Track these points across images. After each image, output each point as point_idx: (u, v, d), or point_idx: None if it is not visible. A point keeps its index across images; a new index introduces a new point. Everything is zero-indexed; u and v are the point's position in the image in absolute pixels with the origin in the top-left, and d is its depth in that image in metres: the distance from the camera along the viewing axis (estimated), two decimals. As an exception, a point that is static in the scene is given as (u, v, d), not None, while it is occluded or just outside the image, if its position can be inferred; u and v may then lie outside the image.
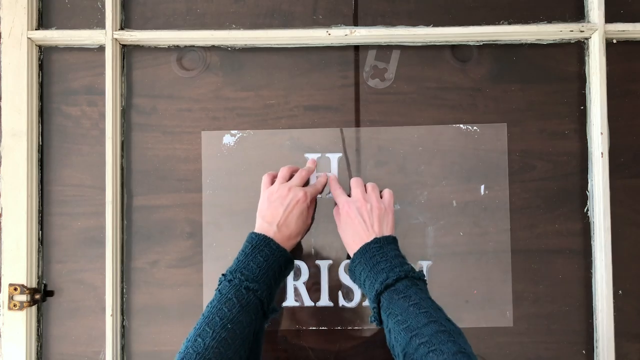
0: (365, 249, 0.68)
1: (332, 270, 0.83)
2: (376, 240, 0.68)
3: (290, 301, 0.83)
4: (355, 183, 0.76)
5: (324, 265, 0.83)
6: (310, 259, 0.84)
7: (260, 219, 0.74)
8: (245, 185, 0.84)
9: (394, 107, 0.84)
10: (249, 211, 0.83)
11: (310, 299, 0.83)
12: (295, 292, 0.83)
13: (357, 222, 0.71)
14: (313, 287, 0.83)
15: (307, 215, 0.76)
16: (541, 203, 0.82)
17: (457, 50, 0.84)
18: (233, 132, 0.85)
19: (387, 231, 0.71)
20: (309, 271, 0.83)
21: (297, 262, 0.83)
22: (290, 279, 0.83)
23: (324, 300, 0.83)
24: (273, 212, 0.72)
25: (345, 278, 0.83)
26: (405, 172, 0.84)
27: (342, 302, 0.83)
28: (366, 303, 0.83)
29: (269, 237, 0.70)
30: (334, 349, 0.83)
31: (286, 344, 0.83)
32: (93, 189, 0.84)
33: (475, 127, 0.83)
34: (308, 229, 0.79)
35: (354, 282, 0.72)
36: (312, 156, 0.84)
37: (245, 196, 0.84)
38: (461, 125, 0.84)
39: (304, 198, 0.74)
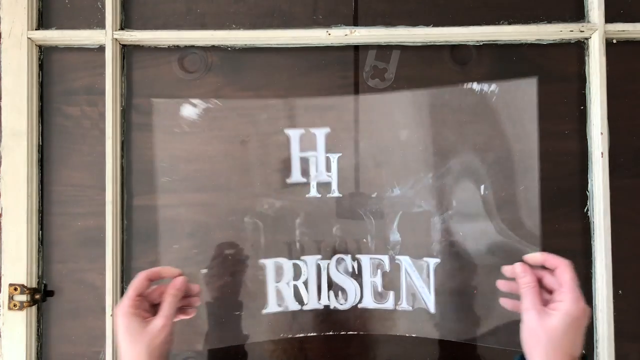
0: None
1: (321, 267, 0.75)
2: None
3: (272, 307, 0.74)
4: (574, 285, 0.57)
5: (311, 262, 0.74)
6: (294, 255, 0.75)
7: None
8: (209, 174, 0.73)
9: (394, 107, 0.84)
10: (208, 206, 0.76)
11: (296, 302, 0.74)
12: (277, 295, 0.73)
13: (580, 334, 0.56)
14: (298, 289, 0.74)
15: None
16: (541, 203, 0.82)
17: (457, 50, 0.84)
18: (195, 101, 0.74)
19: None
20: (293, 270, 0.73)
21: (279, 260, 0.74)
22: (271, 280, 0.74)
23: (313, 303, 0.74)
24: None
25: (336, 276, 0.74)
26: (406, 156, 0.71)
27: (333, 303, 0.75)
28: (362, 304, 0.75)
29: None
30: (326, 357, 0.77)
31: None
32: (93, 189, 0.84)
33: (492, 87, 0.71)
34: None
35: None
36: (312, 156, 0.80)
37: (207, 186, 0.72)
38: (473, 85, 0.71)
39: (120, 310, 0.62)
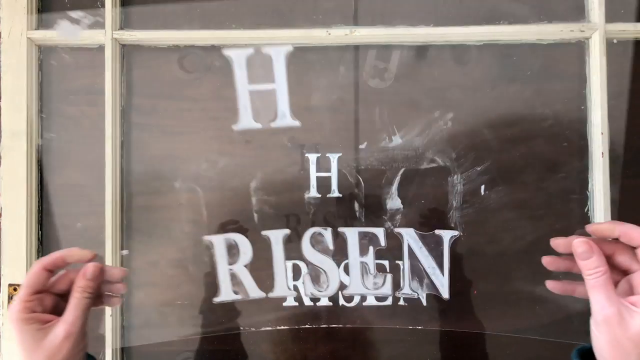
0: None
1: (291, 244, 0.57)
2: None
3: (225, 294, 0.57)
4: None
5: (275, 237, 0.56)
6: (254, 230, 0.57)
7: None
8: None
9: (394, 107, 0.84)
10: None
11: (259, 288, 0.57)
12: (232, 280, 0.57)
13: None
14: (261, 272, 0.56)
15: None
16: (541, 203, 0.82)
17: (457, 50, 0.84)
18: (75, 15, 0.51)
19: None
20: (252, 248, 0.56)
21: (231, 236, 0.57)
22: (222, 262, 0.57)
23: (281, 289, 0.56)
24: None
25: (312, 254, 0.56)
26: (410, 88, 0.51)
27: (310, 290, 0.58)
28: (348, 291, 0.57)
29: None
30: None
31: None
32: (93, 189, 0.84)
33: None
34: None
35: None
36: (312, 156, 0.77)
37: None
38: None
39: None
